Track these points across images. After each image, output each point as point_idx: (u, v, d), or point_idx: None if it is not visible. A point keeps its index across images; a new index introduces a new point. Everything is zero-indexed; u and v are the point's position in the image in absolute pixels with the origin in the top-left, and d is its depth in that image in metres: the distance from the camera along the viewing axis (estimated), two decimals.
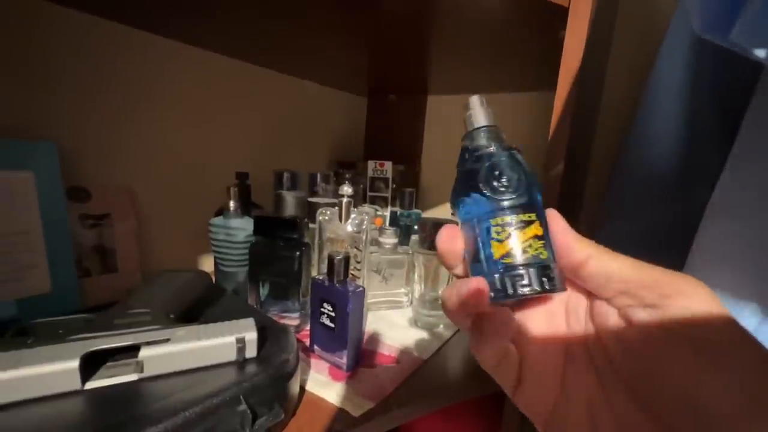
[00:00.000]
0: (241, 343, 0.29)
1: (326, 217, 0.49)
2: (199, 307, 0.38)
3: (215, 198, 0.62)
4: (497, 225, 0.19)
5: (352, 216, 0.49)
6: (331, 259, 0.40)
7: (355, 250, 0.49)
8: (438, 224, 0.52)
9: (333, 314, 0.40)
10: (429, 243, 0.52)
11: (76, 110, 0.52)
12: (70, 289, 0.45)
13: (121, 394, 0.25)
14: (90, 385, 0.25)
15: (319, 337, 0.43)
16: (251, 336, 0.30)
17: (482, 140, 0.21)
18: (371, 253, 0.54)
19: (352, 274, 0.46)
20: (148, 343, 0.27)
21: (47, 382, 0.24)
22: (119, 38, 0.54)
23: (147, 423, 0.23)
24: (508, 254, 0.19)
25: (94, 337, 0.27)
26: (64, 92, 0.50)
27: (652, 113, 0.50)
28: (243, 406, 0.27)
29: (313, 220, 0.54)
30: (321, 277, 0.42)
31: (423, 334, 0.51)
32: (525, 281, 0.18)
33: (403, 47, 0.61)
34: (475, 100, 0.22)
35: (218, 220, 0.53)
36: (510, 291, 0.18)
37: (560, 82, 0.41)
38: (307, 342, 0.45)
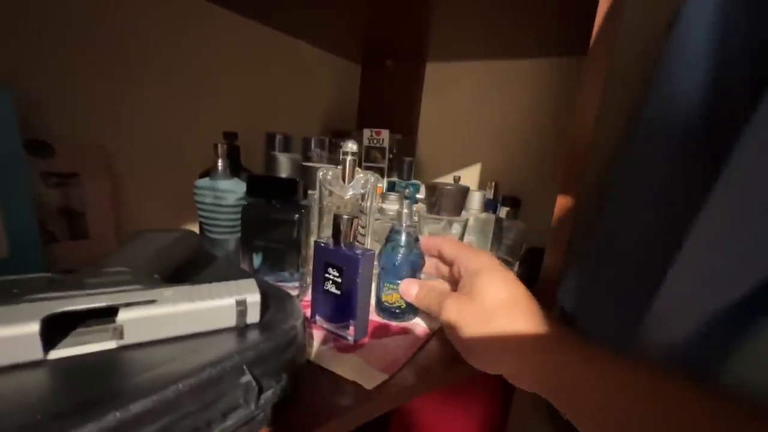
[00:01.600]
0: (242, 306, 0.25)
1: (328, 178, 0.44)
2: (188, 270, 0.33)
3: (199, 159, 0.56)
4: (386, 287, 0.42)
5: (358, 176, 0.44)
6: (337, 220, 0.36)
7: (361, 214, 0.45)
8: (449, 190, 0.49)
9: (339, 280, 0.36)
10: (437, 208, 0.49)
11: (41, 55, 0.44)
12: (31, 254, 0.39)
13: (97, 364, 0.21)
14: (55, 354, 0.20)
15: (323, 306, 0.39)
16: (253, 298, 0.25)
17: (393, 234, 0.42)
18: (375, 219, 0.50)
19: (357, 241, 0.42)
20: (129, 305, 0.22)
21: None
22: None
23: (131, 397, 0.18)
24: (387, 300, 0.43)
25: (60, 298, 0.22)
26: (26, 33, 0.43)
27: (670, 80, 0.46)
28: (247, 377, 0.22)
29: (309, 187, 0.49)
30: (325, 240, 0.37)
31: None
32: (394, 312, 0.43)
33: (403, 4, 0.55)
34: (405, 204, 0.41)
35: (205, 182, 0.48)
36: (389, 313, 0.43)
37: (595, 37, 0.37)
38: (308, 313, 0.41)
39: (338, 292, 0.36)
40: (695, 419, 0.18)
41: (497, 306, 0.27)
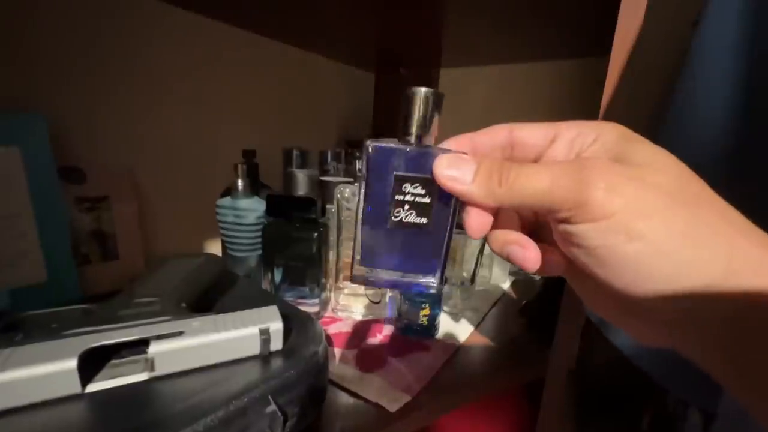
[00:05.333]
0: (266, 335, 0.25)
1: (345, 195, 0.45)
2: (213, 294, 0.34)
3: (220, 178, 0.58)
4: None
5: None
6: (410, 99, 0.20)
7: None
8: None
9: (427, 200, 0.20)
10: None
11: (68, 83, 0.47)
12: (68, 277, 0.41)
13: (130, 397, 0.22)
14: (92, 387, 0.21)
15: (385, 250, 0.22)
16: (276, 326, 0.26)
17: None
18: None
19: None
20: (159, 337, 0.23)
21: (40, 387, 0.20)
22: (117, 4, 0.49)
23: (164, 431, 0.19)
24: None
25: (95, 331, 0.23)
26: (54, 62, 0.45)
27: (699, 76, 0.44)
28: (272, 407, 0.23)
29: (327, 200, 0.50)
30: (386, 140, 0.21)
31: (451, 320, 0.48)
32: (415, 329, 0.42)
33: (415, 11, 0.55)
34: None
35: (226, 201, 0.49)
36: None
37: (617, 36, 0.36)
38: (330, 329, 0.41)
39: (423, 221, 0.21)
40: None
41: (688, 176, 0.16)
